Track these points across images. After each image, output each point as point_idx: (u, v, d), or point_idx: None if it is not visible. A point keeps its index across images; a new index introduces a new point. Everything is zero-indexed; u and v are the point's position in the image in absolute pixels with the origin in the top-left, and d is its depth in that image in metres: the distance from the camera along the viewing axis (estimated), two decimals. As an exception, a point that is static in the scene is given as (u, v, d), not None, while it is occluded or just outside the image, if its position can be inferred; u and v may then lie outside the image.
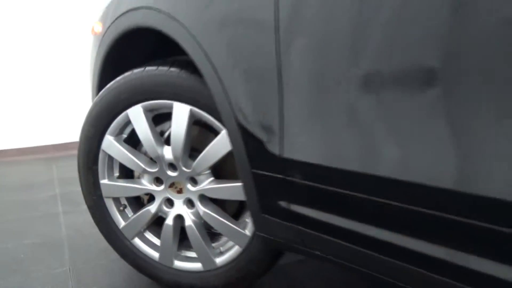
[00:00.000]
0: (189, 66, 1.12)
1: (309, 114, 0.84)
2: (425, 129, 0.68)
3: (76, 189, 2.03)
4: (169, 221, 1.28)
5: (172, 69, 1.15)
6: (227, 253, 1.25)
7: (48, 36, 3.35)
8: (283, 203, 0.94)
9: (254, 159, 0.96)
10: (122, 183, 1.32)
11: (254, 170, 0.96)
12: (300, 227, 0.93)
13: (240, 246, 1.21)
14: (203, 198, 1.23)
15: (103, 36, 1.35)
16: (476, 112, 0.62)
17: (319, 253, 0.95)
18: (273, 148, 0.91)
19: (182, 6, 1.04)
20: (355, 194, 0.81)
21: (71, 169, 2.31)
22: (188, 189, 1.23)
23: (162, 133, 1.28)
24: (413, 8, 0.66)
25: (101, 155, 1.31)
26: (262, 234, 1.05)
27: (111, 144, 1.27)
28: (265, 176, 0.94)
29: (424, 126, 0.68)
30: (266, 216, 0.99)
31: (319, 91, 0.81)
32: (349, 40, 0.74)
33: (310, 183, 0.86)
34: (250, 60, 0.91)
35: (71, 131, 3.18)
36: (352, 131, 0.78)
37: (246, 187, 1.01)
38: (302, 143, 0.86)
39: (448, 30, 0.63)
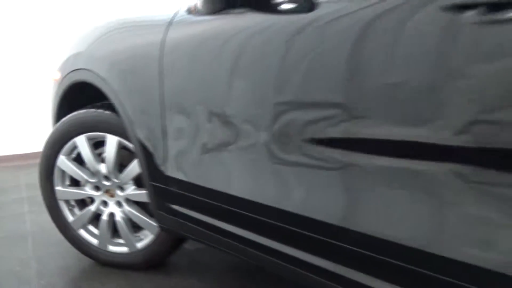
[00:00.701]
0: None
1: (181, 147, 1.39)
2: (251, 155, 1.20)
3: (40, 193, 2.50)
4: (105, 217, 1.80)
5: (106, 111, 1.68)
6: (145, 239, 1.79)
7: (20, 49, 3.73)
8: (168, 204, 1.48)
9: (151, 174, 1.50)
10: (71, 190, 1.84)
11: (151, 182, 1.51)
12: (179, 220, 1.48)
13: (153, 234, 1.75)
14: (128, 200, 1.76)
15: (60, 83, 1.87)
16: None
17: (195, 238, 1.50)
18: (161, 168, 1.45)
19: (103, 68, 1.58)
20: (211, 201, 1.35)
21: (37, 176, 2.79)
22: (117, 194, 1.76)
23: (100, 154, 1.81)
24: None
25: (56, 169, 1.82)
26: (160, 225, 1.59)
27: (63, 162, 1.79)
28: (157, 186, 1.49)
29: (250, 153, 1.19)
30: (161, 212, 1.54)
31: (187, 134, 1.36)
32: (211, 91, 1.25)
33: (182, 192, 1.41)
34: (144, 103, 1.45)
35: (36, 141, 3.59)
36: (208, 159, 1.31)
37: (148, 193, 1.56)
38: (177, 166, 1.41)
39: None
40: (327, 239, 1.04)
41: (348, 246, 1.00)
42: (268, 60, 1.08)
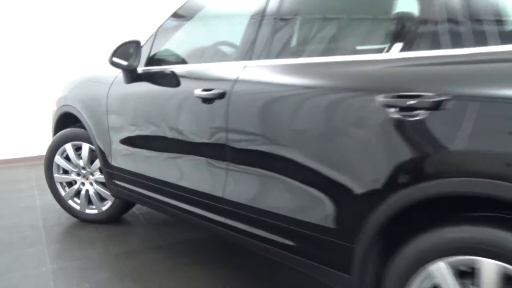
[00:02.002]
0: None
1: (118, 149, 2.61)
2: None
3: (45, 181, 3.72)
4: (83, 192, 3.03)
5: (81, 129, 2.90)
6: (107, 204, 3.01)
7: (34, 53, 4.81)
8: (115, 181, 2.71)
9: (104, 165, 2.73)
10: (63, 176, 3.07)
11: (105, 169, 2.74)
12: (120, 190, 2.70)
13: (111, 201, 2.97)
14: (96, 181, 2.98)
15: (56, 112, 3.11)
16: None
17: (131, 200, 2.72)
18: (109, 161, 2.68)
19: (78, 105, 2.81)
20: (134, 178, 2.56)
21: (43, 170, 4.01)
22: (90, 178, 2.99)
23: (79, 154, 3.03)
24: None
25: (54, 164, 3.05)
26: (112, 194, 2.81)
27: (58, 159, 3.02)
28: (108, 171, 2.71)
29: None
30: (111, 186, 2.76)
31: (119, 142, 2.58)
32: (128, 119, 2.47)
33: (119, 174, 2.64)
34: (99, 125, 2.67)
35: (41, 147, 4.75)
36: (130, 155, 2.53)
37: (104, 176, 2.79)
38: (116, 160, 2.63)
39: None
40: (214, 204, 2.07)
41: (226, 208, 1.98)
42: (152, 106, 2.31)
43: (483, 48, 1.23)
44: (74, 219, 3.14)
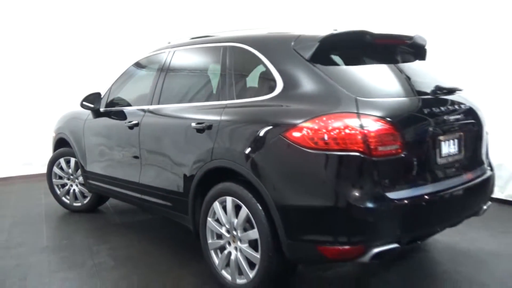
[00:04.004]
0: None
1: (90, 159, 4.09)
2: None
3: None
4: (71, 191, 4.51)
5: (70, 149, 4.41)
6: (88, 199, 4.47)
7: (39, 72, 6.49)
8: (89, 180, 4.17)
9: (82, 169, 4.21)
10: (59, 181, 4.56)
11: (83, 173, 4.22)
12: (92, 186, 4.16)
13: (89, 197, 4.44)
14: (80, 183, 4.46)
15: (54, 137, 4.63)
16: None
17: (101, 193, 4.17)
18: (85, 167, 4.16)
19: (67, 133, 4.32)
20: (101, 178, 4.02)
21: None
22: (76, 181, 4.48)
23: (69, 165, 4.52)
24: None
25: (53, 172, 4.55)
26: (88, 190, 4.28)
27: (55, 169, 4.53)
28: (84, 174, 4.19)
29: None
30: (87, 183, 4.23)
31: (91, 155, 4.06)
32: (96, 141, 3.96)
33: (91, 175, 4.12)
34: (79, 145, 4.16)
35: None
36: (98, 162, 3.99)
37: (82, 177, 4.26)
38: (89, 165, 4.11)
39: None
40: (135, 187, 3.59)
41: (140, 188, 3.49)
42: (108, 132, 3.80)
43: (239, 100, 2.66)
44: (66, 210, 4.60)
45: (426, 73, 2.80)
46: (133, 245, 3.57)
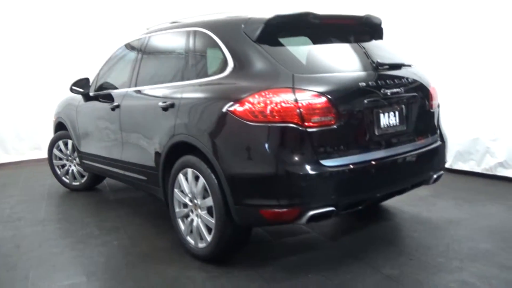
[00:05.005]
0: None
1: (83, 140, 4.41)
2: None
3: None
4: (70, 171, 4.86)
5: (67, 131, 4.74)
6: (85, 178, 4.81)
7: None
8: (83, 160, 4.50)
9: (77, 150, 4.53)
10: (58, 161, 4.92)
11: (78, 154, 4.54)
12: (86, 166, 4.49)
13: (86, 176, 4.78)
14: (78, 164, 4.81)
15: (55, 121, 4.97)
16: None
17: (94, 172, 4.50)
18: (79, 147, 4.48)
19: (65, 116, 4.65)
20: (92, 157, 4.34)
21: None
22: (74, 162, 4.82)
23: (67, 146, 4.86)
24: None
25: (53, 154, 4.91)
26: (84, 169, 4.61)
27: (55, 150, 4.88)
28: (79, 154, 4.51)
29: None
30: (82, 163, 4.56)
31: (84, 136, 4.38)
32: (88, 122, 4.27)
33: (85, 155, 4.44)
34: (73, 127, 4.47)
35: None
36: (90, 142, 4.30)
37: (78, 156, 4.60)
38: (82, 146, 4.43)
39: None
40: (121, 165, 3.91)
41: (122, 165, 3.83)
42: (97, 114, 4.10)
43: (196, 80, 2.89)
44: (66, 189, 4.96)
45: (378, 51, 2.96)
46: (120, 218, 3.88)
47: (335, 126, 2.41)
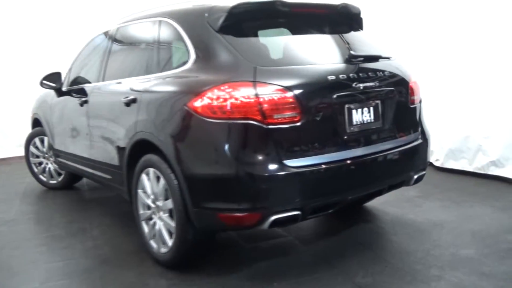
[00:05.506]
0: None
1: (57, 137, 4.24)
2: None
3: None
4: (47, 169, 4.69)
5: (43, 128, 4.58)
6: (62, 177, 4.65)
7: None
8: (58, 158, 4.34)
9: (51, 148, 4.36)
10: (35, 159, 4.75)
11: (53, 151, 4.38)
12: (61, 164, 4.33)
13: (63, 174, 4.62)
14: (53, 161, 4.64)
15: (32, 118, 4.81)
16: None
17: (68, 170, 4.33)
18: (53, 145, 4.31)
19: (40, 112, 4.48)
20: (66, 155, 4.18)
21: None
22: (49, 159, 4.66)
23: (43, 143, 4.70)
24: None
25: (30, 151, 4.75)
26: (59, 168, 4.45)
27: (31, 148, 4.71)
28: (54, 152, 4.35)
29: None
30: (57, 161, 4.39)
31: (57, 133, 4.21)
32: (60, 118, 4.10)
33: (59, 153, 4.27)
34: (48, 123, 4.31)
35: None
36: (63, 140, 4.13)
37: (53, 154, 4.43)
38: (56, 143, 4.27)
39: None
40: (90, 163, 3.74)
41: (91, 163, 3.66)
42: (71, 111, 3.91)
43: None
44: (44, 188, 4.80)
45: (354, 43, 2.76)
46: (89, 218, 3.70)
47: (300, 123, 2.22)
